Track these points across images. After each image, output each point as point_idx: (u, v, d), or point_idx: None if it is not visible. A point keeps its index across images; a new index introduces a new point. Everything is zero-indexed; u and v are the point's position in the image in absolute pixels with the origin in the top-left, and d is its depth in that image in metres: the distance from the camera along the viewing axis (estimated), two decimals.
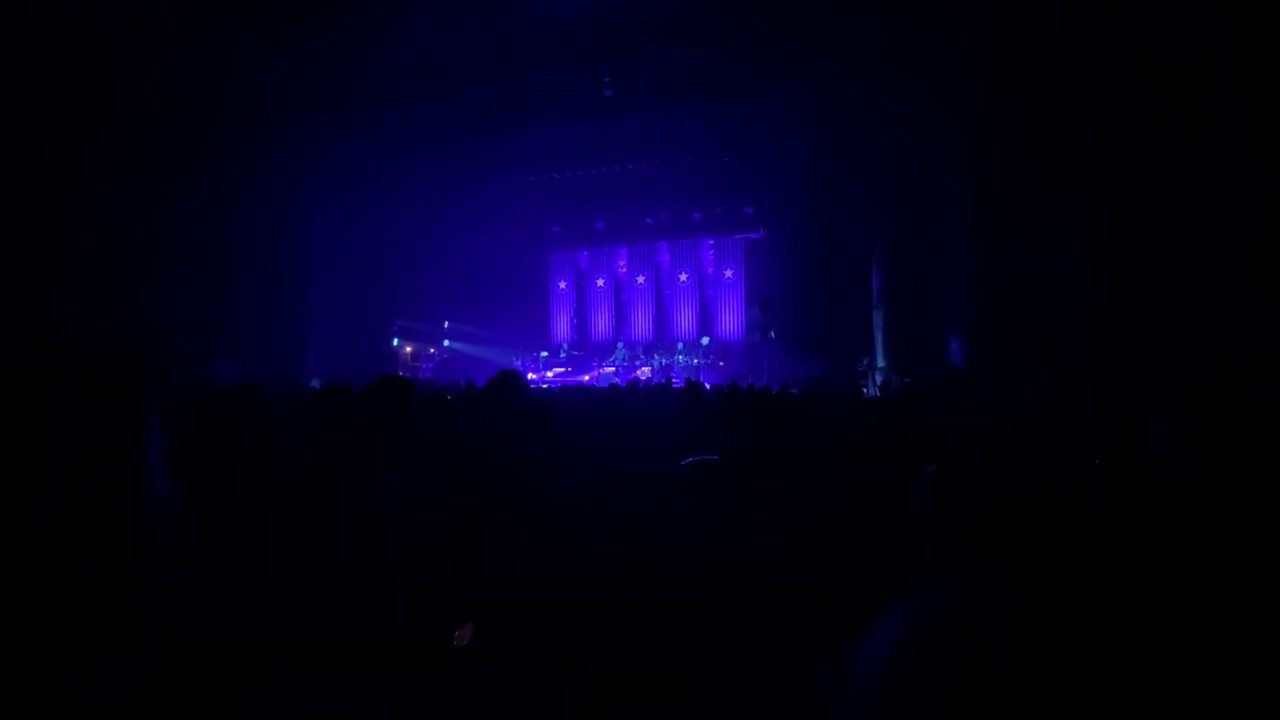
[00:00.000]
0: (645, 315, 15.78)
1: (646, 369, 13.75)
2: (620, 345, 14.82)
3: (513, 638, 1.09)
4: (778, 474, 1.66)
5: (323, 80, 9.52)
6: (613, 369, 14.09)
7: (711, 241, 15.27)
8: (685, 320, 15.37)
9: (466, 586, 1.16)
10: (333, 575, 1.11)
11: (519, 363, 14.22)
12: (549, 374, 14.38)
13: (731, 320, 15.01)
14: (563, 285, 16.38)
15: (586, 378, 13.74)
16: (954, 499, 1.04)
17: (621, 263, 16.09)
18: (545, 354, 14.96)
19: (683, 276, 15.50)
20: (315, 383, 10.24)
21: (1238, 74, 5.61)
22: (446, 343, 15.38)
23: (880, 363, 10.43)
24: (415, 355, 14.68)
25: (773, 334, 12.68)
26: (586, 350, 15.34)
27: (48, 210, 7.11)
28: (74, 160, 7.36)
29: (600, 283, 16.12)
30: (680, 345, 14.20)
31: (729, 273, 15.08)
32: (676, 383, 9.91)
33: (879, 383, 9.75)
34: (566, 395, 5.73)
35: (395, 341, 14.15)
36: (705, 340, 14.41)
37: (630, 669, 1.05)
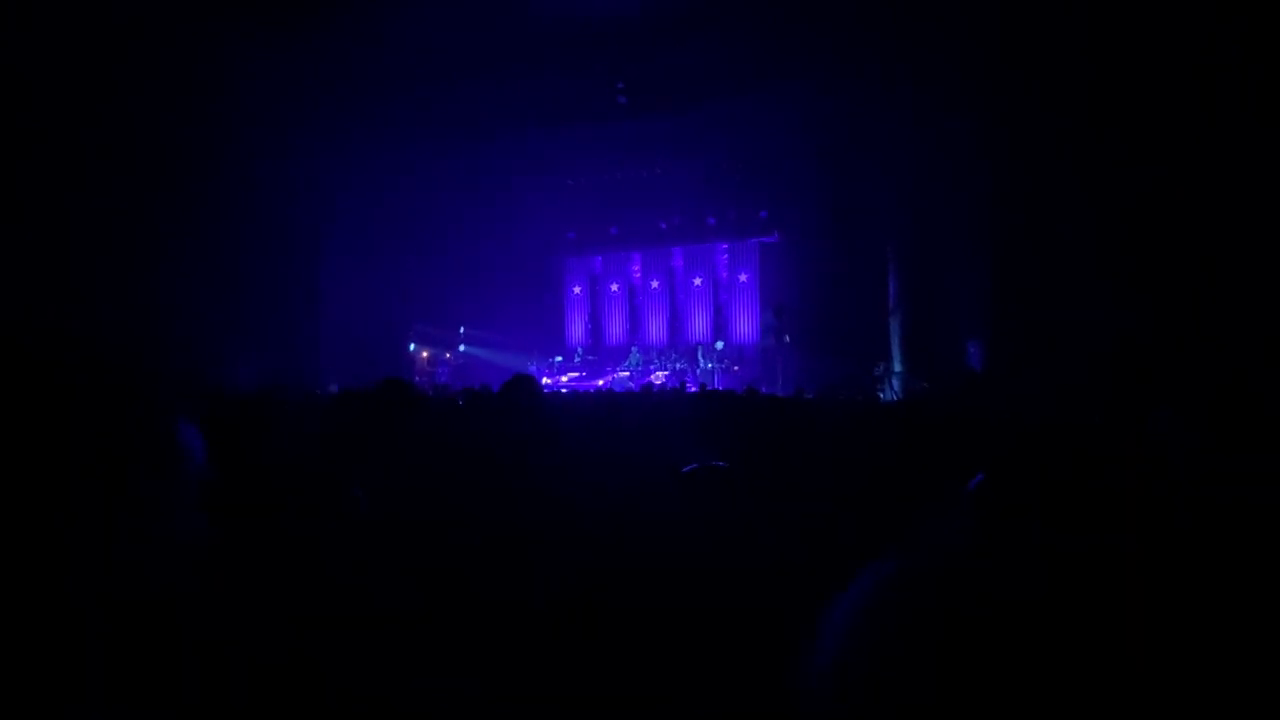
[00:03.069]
0: (659, 320, 15.76)
1: (661, 373, 13.73)
2: (635, 350, 14.82)
3: (504, 642, 1.09)
4: (790, 481, 1.64)
5: (339, 86, 9.62)
6: (627, 374, 14.09)
7: (725, 246, 15.22)
8: (699, 325, 15.33)
9: (459, 592, 1.16)
10: (338, 584, 1.11)
11: (534, 367, 14.26)
12: (564, 379, 14.40)
13: (746, 324, 14.94)
14: (577, 290, 16.43)
15: (601, 382, 13.75)
16: (1017, 507, 1.01)
17: (635, 267, 16.10)
18: (560, 359, 14.99)
19: (697, 281, 15.47)
20: (334, 388, 10.35)
21: (1258, 71, 5.52)
22: (462, 347, 15.47)
23: (897, 367, 10.34)
24: (432, 360, 14.78)
25: (788, 338, 12.61)
26: (601, 355, 15.35)
27: (60, 210, 7.16)
28: (88, 161, 7.41)
29: (614, 287, 16.13)
30: (699, 349, 14.14)
31: (743, 277, 15.03)
32: (691, 387, 9.89)
33: (896, 388, 9.65)
34: (579, 401, 5.74)
35: (412, 346, 14.26)
36: (719, 344, 14.37)
37: (620, 676, 1.04)
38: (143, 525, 0.73)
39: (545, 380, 13.86)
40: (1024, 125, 7.43)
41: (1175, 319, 5.80)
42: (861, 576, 0.47)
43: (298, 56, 8.87)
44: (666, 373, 13.78)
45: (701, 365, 13.55)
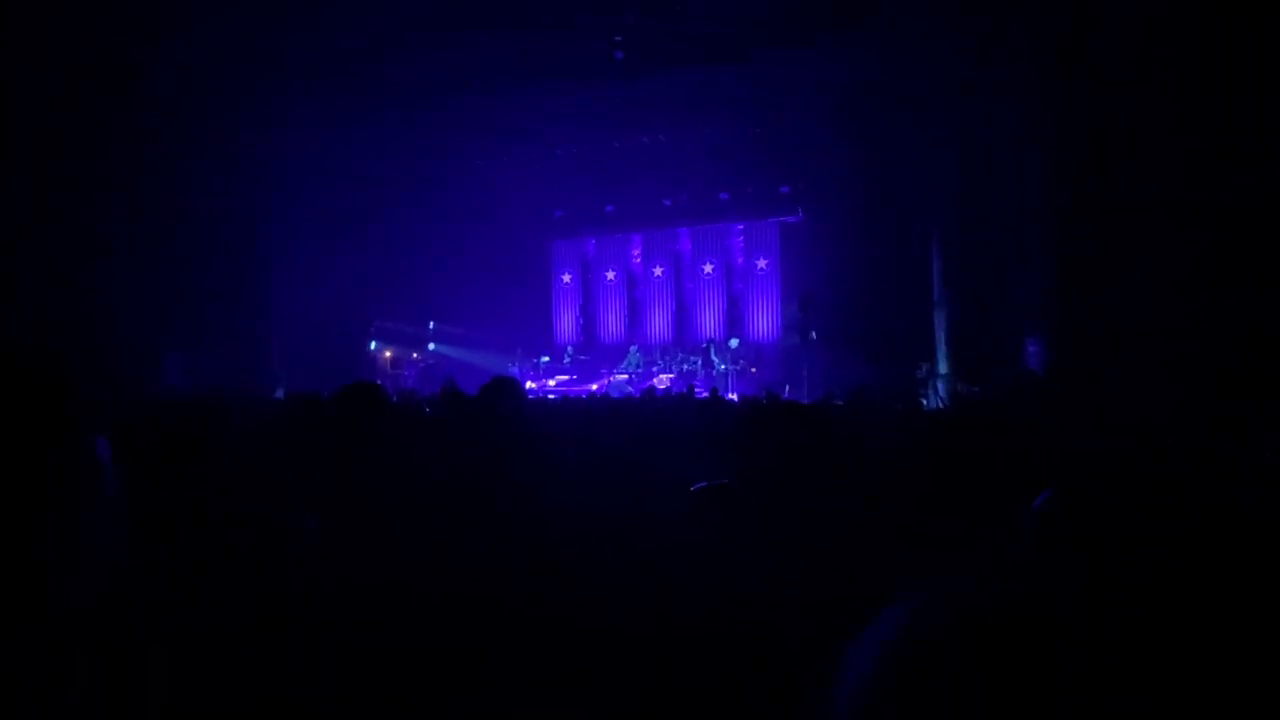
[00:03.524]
0: (663, 313, 15.79)
1: (665, 376, 13.75)
2: (634, 349, 14.84)
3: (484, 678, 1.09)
4: (818, 503, 1.63)
5: (291, 37, 9.60)
6: (625, 377, 14.11)
7: (741, 226, 15.25)
8: (710, 319, 15.35)
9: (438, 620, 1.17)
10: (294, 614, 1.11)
11: (516, 369, 14.29)
12: (551, 382, 14.43)
13: (765, 319, 14.97)
14: (567, 279, 16.45)
15: (595, 387, 13.77)
16: (1089, 533, 1.01)
17: (635, 252, 16.12)
18: (547, 359, 15.02)
19: (707, 268, 15.49)
20: (280, 393, 10.36)
21: None
22: (432, 346, 15.49)
23: (943, 369, 10.35)
24: (396, 361, 14.81)
25: (814, 335, 12.62)
26: (594, 355, 15.39)
27: None
28: (9, 138, 7.50)
29: (610, 275, 16.16)
30: (710, 347, 14.15)
31: (762, 263, 15.05)
32: (700, 393, 9.88)
33: (941, 393, 9.66)
34: (569, 408, 5.74)
35: (373, 345, 14.29)
36: (734, 342, 14.38)
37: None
38: (54, 542, 0.75)
39: (530, 384, 13.89)
40: (1095, 81, 7.38)
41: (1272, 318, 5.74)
42: (900, 606, 0.47)
43: (238, 23, 8.91)
44: (671, 375, 13.80)
45: (714, 367, 13.58)
